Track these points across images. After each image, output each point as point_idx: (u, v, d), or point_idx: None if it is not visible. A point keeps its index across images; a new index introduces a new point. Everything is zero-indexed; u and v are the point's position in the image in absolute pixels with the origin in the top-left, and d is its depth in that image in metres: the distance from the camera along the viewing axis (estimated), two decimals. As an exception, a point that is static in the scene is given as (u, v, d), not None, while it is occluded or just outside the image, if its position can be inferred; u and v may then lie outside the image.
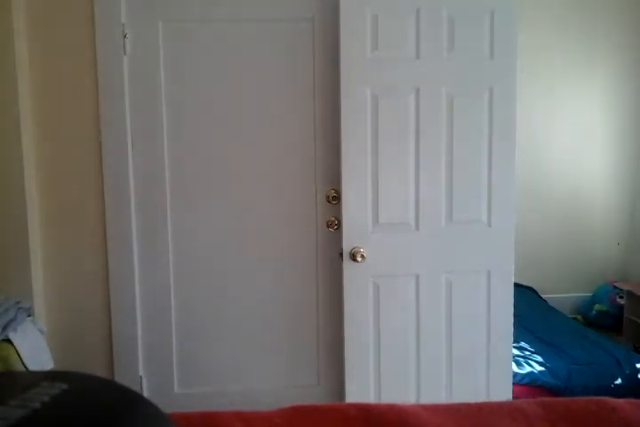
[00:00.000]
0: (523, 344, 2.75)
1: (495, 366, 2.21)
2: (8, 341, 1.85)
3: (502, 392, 2.22)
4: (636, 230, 3.78)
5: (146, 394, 2.25)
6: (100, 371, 2.23)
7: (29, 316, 2.04)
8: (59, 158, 2.16)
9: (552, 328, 3.01)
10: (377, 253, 2.10)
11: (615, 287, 3.51)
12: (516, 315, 2.22)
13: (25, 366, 1.88)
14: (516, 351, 2.62)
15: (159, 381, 2.28)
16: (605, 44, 3.66)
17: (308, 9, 2.15)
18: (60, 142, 2.15)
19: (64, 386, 0.58)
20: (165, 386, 2.28)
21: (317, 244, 2.26)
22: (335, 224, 2.22)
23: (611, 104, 3.72)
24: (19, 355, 1.86)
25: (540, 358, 2.58)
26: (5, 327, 1.85)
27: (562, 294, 3.77)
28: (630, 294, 3.38)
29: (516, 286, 2.31)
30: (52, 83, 2.12)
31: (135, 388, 2.24)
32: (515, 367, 2.43)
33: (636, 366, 2.49)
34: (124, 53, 2.12)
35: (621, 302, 3.45)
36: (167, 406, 0.72)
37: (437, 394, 2.19)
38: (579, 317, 3.69)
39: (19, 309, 1.97)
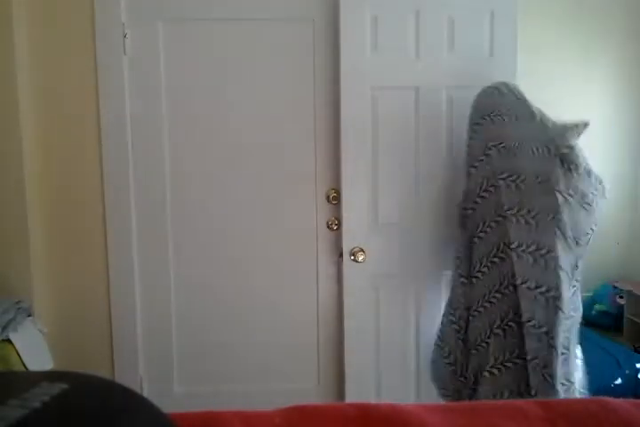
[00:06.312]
0: (523, 344, 2.75)
1: (495, 366, 2.21)
2: (8, 341, 1.85)
3: (502, 392, 2.22)
4: (636, 230, 3.78)
5: (146, 394, 2.25)
6: (100, 371, 2.22)
7: (29, 316, 2.04)
8: (59, 158, 2.16)
9: (552, 328, 3.00)
10: (377, 253, 2.10)
11: (615, 287, 3.50)
12: (515, 315, 2.22)
13: (25, 366, 1.88)
14: (515, 351, 2.62)
15: (159, 381, 2.28)
16: (605, 42, 3.66)
17: (307, 9, 2.15)
18: (60, 142, 2.15)
19: (64, 386, 0.58)
20: (165, 386, 2.28)
21: (317, 244, 2.26)
22: (335, 224, 2.22)
23: (610, 103, 3.72)
24: (19, 355, 1.86)
25: (539, 358, 2.57)
26: (5, 327, 1.85)
27: (562, 293, 3.76)
28: (630, 294, 3.38)
29: (516, 285, 2.30)
30: (52, 83, 2.12)
31: (135, 388, 2.24)
32: (515, 367, 2.42)
33: (636, 366, 2.49)
34: (124, 53, 2.12)
35: (621, 302, 3.44)
36: (167, 406, 0.72)
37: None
38: (579, 317, 3.69)
39: (19, 309, 1.97)
